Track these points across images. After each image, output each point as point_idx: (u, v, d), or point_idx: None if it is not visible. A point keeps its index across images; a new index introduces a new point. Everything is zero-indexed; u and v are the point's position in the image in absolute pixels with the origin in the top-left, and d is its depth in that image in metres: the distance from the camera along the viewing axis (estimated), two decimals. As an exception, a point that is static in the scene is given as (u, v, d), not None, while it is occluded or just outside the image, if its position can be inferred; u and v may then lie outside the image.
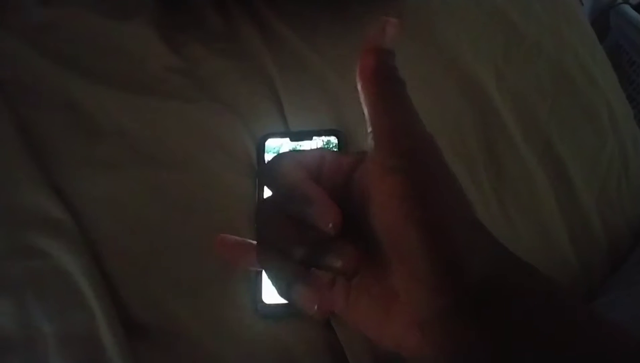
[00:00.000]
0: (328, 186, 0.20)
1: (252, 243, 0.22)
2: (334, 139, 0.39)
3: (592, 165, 0.41)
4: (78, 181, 0.38)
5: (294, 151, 0.22)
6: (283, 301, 0.34)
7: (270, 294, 0.34)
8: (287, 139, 0.39)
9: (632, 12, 0.92)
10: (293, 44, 0.45)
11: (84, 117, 0.41)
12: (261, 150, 0.39)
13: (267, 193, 0.37)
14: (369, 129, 0.19)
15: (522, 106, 0.43)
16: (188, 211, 0.37)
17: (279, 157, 0.21)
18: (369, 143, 0.19)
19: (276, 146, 0.39)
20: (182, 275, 0.35)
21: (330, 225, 0.17)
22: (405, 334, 0.18)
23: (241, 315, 0.34)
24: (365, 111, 0.19)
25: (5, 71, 0.44)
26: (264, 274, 0.35)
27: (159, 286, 0.35)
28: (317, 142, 0.39)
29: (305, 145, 0.39)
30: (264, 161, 0.38)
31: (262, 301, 0.34)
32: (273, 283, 0.19)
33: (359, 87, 0.19)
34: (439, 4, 0.48)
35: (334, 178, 0.21)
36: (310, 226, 0.18)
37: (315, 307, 0.17)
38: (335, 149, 0.38)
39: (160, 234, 0.36)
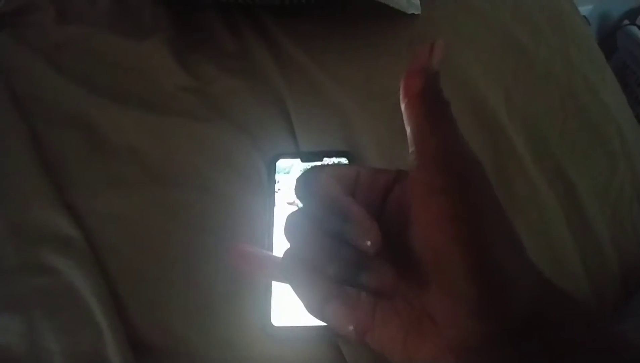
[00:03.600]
0: (363, 203, 0.19)
1: (270, 255, 0.21)
2: (344, 160, 0.39)
3: (603, 189, 0.41)
4: (89, 198, 0.39)
5: (330, 165, 0.21)
6: (292, 323, 0.34)
7: (279, 316, 0.34)
8: (298, 160, 0.39)
9: (639, 33, 0.92)
10: (304, 64, 0.46)
11: (97, 135, 0.42)
12: (272, 170, 0.39)
13: (278, 212, 0.37)
14: (412, 149, 0.18)
15: (532, 129, 0.43)
16: (198, 230, 0.37)
17: (315, 169, 0.20)
18: (411, 162, 0.18)
19: (286, 166, 0.39)
20: (191, 294, 0.35)
21: (370, 244, 0.17)
22: (437, 359, 0.18)
23: (249, 336, 0.34)
24: (409, 130, 0.19)
25: (22, 87, 0.45)
26: (273, 295, 0.34)
27: (167, 306, 0.35)
28: (327, 163, 0.39)
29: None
30: (274, 181, 0.39)
31: (271, 324, 0.34)
32: (302, 299, 0.18)
33: (403, 106, 0.19)
34: (449, 27, 0.49)
35: (369, 195, 0.21)
36: (346, 242, 0.17)
37: (351, 327, 0.17)
38: None
39: (169, 253, 0.36)
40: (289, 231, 0.19)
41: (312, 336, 0.34)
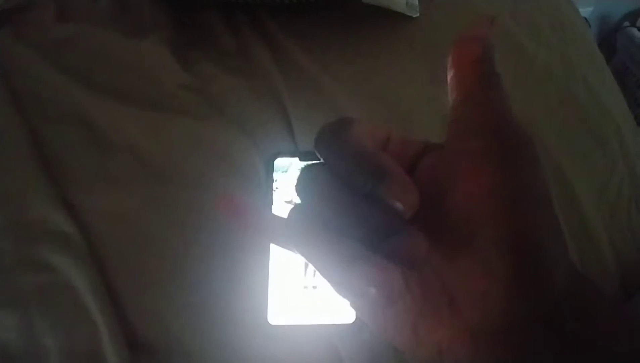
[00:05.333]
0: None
1: (268, 212, 0.19)
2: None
3: (601, 190, 0.41)
4: (88, 196, 0.39)
5: (359, 120, 0.18)
6: (289, 322, 0.34)
7: (276, 315, 0.34)
8: (296, 159, 0.39)
9: (639, 35, 0.92)
10: (303, 63, 0.46)
11: (96, 133, 0.42)
12: (270, 169, 0.39)
13: (276, 211, 0.37)
14: (454, 117, 0.17)
15: (531, 129, 0.42)
16: (195, 228, 0.37)
17: (347, 119, 0.18)
18: (451, 133, 0.17)
19: (285, 165, 0.39)
20: (188, 293, 0.35)
21: (406, 205, 0.15)
22: (452, 345, 0.16)
23: (246, 334, 0.34)
24: (454, 100, 0.17)
25: (22, 84, 0.45)
26: (269, 294, 0.34)
27: (164, 304, 0.35)
28: None
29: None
30: (272, 179, 0.39)
31: (268, 322, 0.34)
32: (316, 263, 0.16)
33: (451, 74, 0.18)
34: (448, 27, 0.49)
35: (400, 159, 0.18)
36: (375, 204, 0.15)
37: (384, 292, 0.15)
38: None
39: (166, 251, 0.36)
40: (304, 187, 0.17)
41: (309, 335, 0.34)
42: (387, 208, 0.15)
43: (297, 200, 0.17)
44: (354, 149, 0.16)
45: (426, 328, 0.17)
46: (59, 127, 0.42)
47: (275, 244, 0.18)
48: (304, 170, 0.17)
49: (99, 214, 0.38)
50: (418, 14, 0.48)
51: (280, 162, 0.39)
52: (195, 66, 0.46)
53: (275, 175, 0.39)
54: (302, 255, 0.16)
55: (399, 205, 0.15)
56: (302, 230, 0.16)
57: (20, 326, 0.33)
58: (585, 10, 0.97)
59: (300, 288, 0.34)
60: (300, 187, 0.17)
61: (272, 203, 0.37)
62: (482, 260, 0.15)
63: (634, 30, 0.93)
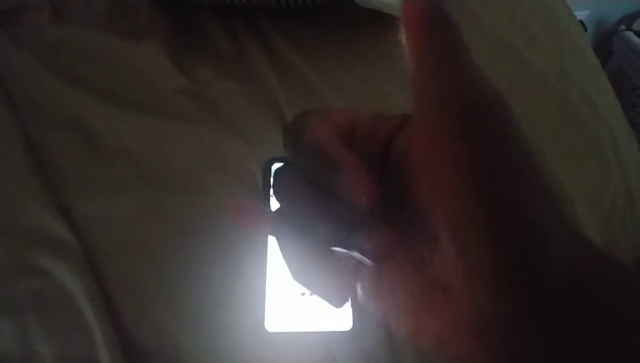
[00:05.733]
0: (361, 153, 0.16)
1: (270, 212, 0.18)
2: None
3: (596, 199, 0.41)
4: (84, 201, 0.38)
5: (324, 108, 0.18)
6: (286, 329, 0.34)
7: (273, 321, 0.34)
8: (293, 165, 0.39)
9: (635, 39, 0.93)
10: (300, 69, 0.46)
11: (92, 137, 0.42)
12: (267, 174, 0.39)
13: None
14: (412, 89, 0.15)
15: (527, 136, 0.43)
16: (192, 234, 0.37)
17: (306, 113, 0.17)
18: (413, 109, 0.15)
19: (282, 171, 0.39)
20: (184, 299, 0.35)
21: (364, 198, 0.14)
22: (453, 334, 0.15)
23: (243, 341, 0.34)
24: (412, 66, 0.15)
25: (17, 87, 0.45)
26: (267, 300, 0.34)
27: (161, 311, 0.35)
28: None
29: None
30: (270, 185, 0.39)
31: (265, 329, 0.34)
32: (287, 263, 0.16)
33: (403, 40, 0.16)
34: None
35: (368, 145, 0.17)
36: (339, 198, 0.15)
37: (335, 297, 0.15)
38: None
39: (163, 257, 0.36)
40: (276, 187, 0.17)
41: (306, 342, 0.34)
42: (348, 203, 0.15)
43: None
44: (310, 144, 0.16)
45: (424, 320, 0.16)
46: (55, 131, 0.42)
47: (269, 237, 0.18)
48: (277, 171, 0.17)
49: (95, 219, 0.38)
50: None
51: (277, 167, 0.39)
52: (192, 70, 0.46)
53: (273, 181, 0.39)
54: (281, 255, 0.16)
55: (354, 198, 0.14)
56: (278, 230, 0.16)
57: (15, 332, 0.33)
58: (581, 14, 0.98)
59: (297, 295, 0.35)
60: (275, 188, 0.17)
61: (269, 209, 0.37)
62: (461, 246, 0.14)
63: (630, 34, 0.94)
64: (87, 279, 0.35)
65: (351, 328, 0.34)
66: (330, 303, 0.15)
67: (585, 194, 0.41)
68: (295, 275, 0.16)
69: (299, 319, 0.34)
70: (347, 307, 0.34)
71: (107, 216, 0.38)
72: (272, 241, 0.36)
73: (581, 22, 0.97)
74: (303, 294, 0.35)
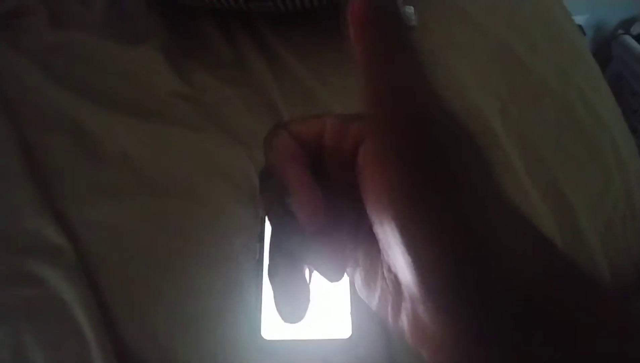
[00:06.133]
0: (332, 162, 0.16)
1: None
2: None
3: (597, 204, 0.41)
4: (80, 207, 0.38)
5: (287, 122, 0.18)
6: (282, 337, 0.34)
7: (270, 329, 0.34)
8: (291, 170, 0.39)
9: (634, 43, 0.93)
10: (299, 73, 0.46)
11: (89, 141, 0.41)
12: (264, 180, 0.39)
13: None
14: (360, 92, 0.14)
15: (527, 142, 0.43)
16: (188, 240, 0.37)
17: (275, 128, 0.17)
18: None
19: (280, 176, 0.39)
20: (180, 306, 0.35)
21: (308, 223, 0.15)
22: (427, 335, 0.14)
23: (239, 349, 0.33)
24: (359, 70, 0.14)
25: (14, 91, 0.44)
26: (263, 308, 0.34)
27: (156, 318, 0.34)
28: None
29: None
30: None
31: (262, 337, 0.33)
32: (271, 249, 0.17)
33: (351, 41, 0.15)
34: (445, 37, 0.49)
35: (337, 154, 0.17)
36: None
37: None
38: None
39: (159, 264, 0.36)
40: (260, 200, 0.18)
41: (303, 350, 0.34)
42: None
43: None
44: (271, 164, 0.16)
45: (403, 320, 0.15)
46: (52, 136, 0.42)
47: None
48: (260, 181, 0.18)
49: (91, 225, 0.37)
50: (415, 23, 0.48)
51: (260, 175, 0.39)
52: (190, 75, 0.45)
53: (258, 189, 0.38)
54: None
55: (300, 221, 0.15)
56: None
57: (8, 340, 0.33)
58: (580, 18, 0.98)
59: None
60: (260, 196, 0.18)
61: (265, 214, 0.37)
62: (408, 272, 0.13)
63: (629, 39, 0.94)
64: (82, 286, 0.34)
65: (350, 336, 0.33)
66: (327, 277, 0.16)
67: (587, 200, 0.41)
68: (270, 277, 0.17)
69: (296, 327, 0.34)
70: (346, 315, 0.34)
71: (103, 222, 0.37)
72: (269, 247, 0.36)
73: (580, 26, 0.98)
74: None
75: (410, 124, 0.13)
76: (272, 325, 0.34)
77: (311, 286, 0.17)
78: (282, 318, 0.17)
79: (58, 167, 0.40)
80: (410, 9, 0.48)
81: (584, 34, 0.99)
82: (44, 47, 0.47)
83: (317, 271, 0.16)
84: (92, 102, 0.43)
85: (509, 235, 0.13)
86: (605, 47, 0.99)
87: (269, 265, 0.17)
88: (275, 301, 0.17)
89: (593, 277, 0.13)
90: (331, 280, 0.16)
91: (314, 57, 0.47)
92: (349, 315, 0.34)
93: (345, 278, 0.17)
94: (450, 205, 0.12)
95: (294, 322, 0.16)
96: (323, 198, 0.15)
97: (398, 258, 0.13)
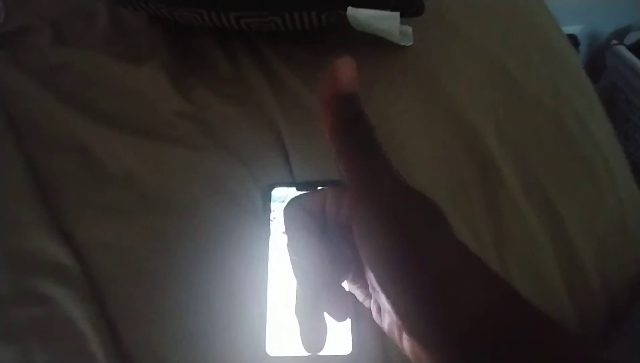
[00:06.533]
0: (334, 226, 0.20)
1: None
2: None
3: (590, 221, 0.42)
4: (85, 226, 0.39)
5: (299, 197, 0.21)
6: (287, 353, 0.35)
7: (275, 346, 0.34)
8: (293, 189, 0.40)
9: (627, 53, 0.94)
10: (299, 92, 0.46)
11: (93, 161, 0.42)
12: (267, 199, 0.40)
13: (273, 241, 0.37)
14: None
15: (522, 159, 0.44)
16: (192, 259, 0.37)
17: (286, 208, 0.21)
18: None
19: (282, 195, 0.40)
20: (186, 324, 0.35)
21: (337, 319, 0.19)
22: (420, 355, 0.17)
23: (244, 366, 0.34)
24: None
25: (18, 110, 0.45)
26: (268, 325, 0.35)
27: (163, 335, 0.35)
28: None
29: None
30: (270, 210, 0.39)
31: (266, 353, 0.34)
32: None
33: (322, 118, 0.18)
34: (441, 55, 0.50)
35: (336, 218, 0.21)
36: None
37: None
38: None
39: (164, 282, 0.37)
40: (285, 223, 0.21)
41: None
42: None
43: None
44: (290, 235, 0.20)
45: (405, 344, 0.18)
46: (55, 155, 0.42)
47: None
48: (286, 208, 0.21)
49: (96, 244, 0.38)
50: (412, 43, 0.49)
51: (277, 192, 0.40)
52: (191, 94, 0.46)
53: (273, 205, 0.39)
54: None
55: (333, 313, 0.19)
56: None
57: (17, 359, 0.33)
58: (574, 28, 0.99)
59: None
60: (284, 224, 0.21)
61: (269, 234, 0.38)
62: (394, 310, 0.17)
63: (622, 49, 0.95)
64: (89, 304, 0.35)
65: (350, 352, 0.34)
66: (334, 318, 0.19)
67: (580, 218, 0.42)
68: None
69: (300, 343, 0.34)
70: (347, 332, 0.34)
71: (108, 241, 0.38)
72: (272, 265, 0.37)
73: (574, 36, 0.99)
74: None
75: (377, 209, 0.16)
76: (276, 342, 0.34)
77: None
78: (306, 348, 0.20)
79: (62, 186, 0.40)
80: (408, 29, 0.49)
81: (579, 44, 1.00)
82: (47, 66, 0.48)
83: (327, 313, 0.19)
84: (95, 121, 0.44)
85: (459, 278, 0.15)
86: (599, 57, 1.01)
87: (296, 305, 0.20)
88: (300, 334, 0.20)
89: (546, 313, 0.15)
90: (338, 321, 0.19)
91: (314, 75, 0.47)
92: (350, 333, 0.34)
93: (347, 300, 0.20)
94: (412, 277, 0.15)
95: (316, 352, 0.19)
96: (329, 252, 0.19)
97: (386, 304, 0.18)
